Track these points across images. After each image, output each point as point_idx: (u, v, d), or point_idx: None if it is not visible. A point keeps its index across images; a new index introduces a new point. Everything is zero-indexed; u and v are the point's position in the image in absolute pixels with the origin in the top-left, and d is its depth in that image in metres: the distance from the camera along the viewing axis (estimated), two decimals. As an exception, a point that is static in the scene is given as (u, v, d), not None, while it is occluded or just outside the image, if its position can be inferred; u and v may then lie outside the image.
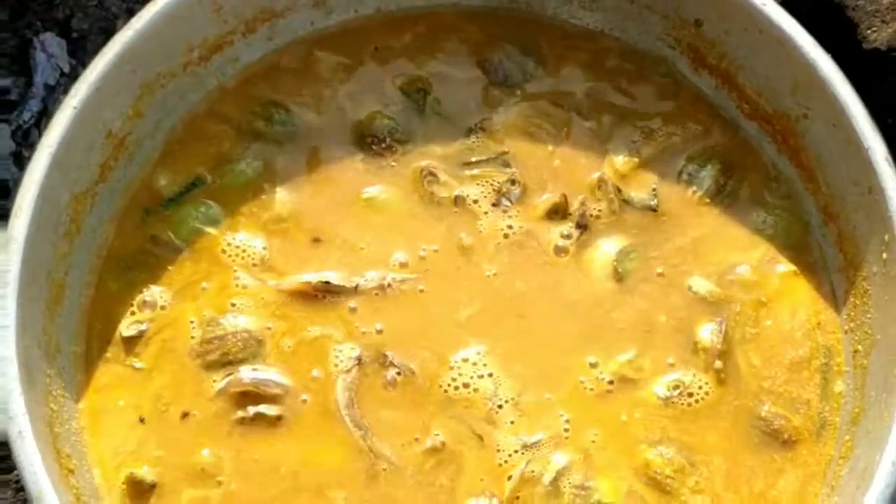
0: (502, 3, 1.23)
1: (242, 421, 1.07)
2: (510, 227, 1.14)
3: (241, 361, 1.09)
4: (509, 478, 1.05)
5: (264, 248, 1.13)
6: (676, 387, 1.09)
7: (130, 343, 1.10)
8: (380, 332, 1.10)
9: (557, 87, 1.20)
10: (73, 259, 1.10)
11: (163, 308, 1.11)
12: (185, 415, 1.07)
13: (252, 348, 1.10)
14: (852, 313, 1.11)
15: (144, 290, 1.12)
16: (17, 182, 1.06)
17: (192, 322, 1.10)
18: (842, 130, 1.09)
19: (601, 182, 1.15)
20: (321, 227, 1.14)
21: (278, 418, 1.07)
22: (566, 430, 1.07)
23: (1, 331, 1.00)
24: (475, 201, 1.15)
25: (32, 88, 1.38)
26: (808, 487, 1.07)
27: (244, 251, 1.13)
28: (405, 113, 1.18)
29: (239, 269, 1.12)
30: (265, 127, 1.18)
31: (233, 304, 1.11)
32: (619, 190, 1.15)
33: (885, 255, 1.06)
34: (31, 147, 1.31)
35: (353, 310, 1.11)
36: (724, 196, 1.16)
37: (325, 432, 1.07)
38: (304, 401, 1.08)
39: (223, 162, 1.17)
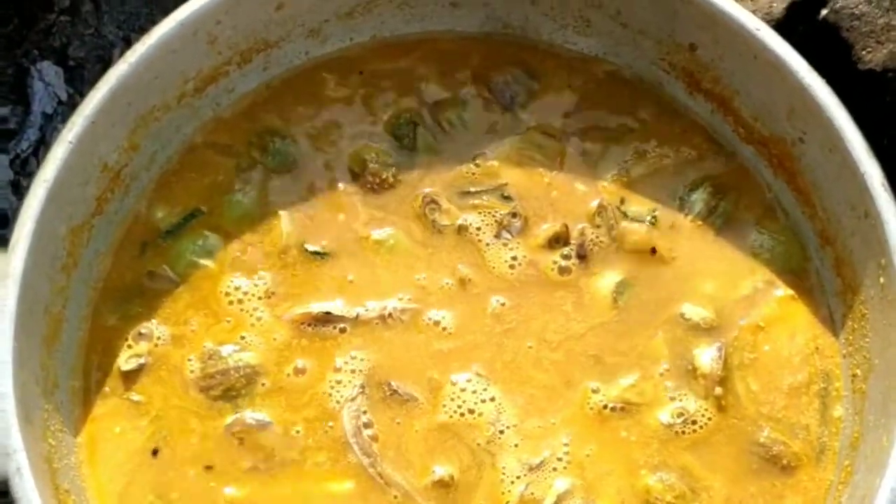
0: (497, 28, 1.23)
1: (249, 459, 1.07)
2: (514, 257, 1.14)
3: (245, 395, 1.09)
4: (507, 503, 1.06)
5: (262, 279, 1.13)
6: (681, 414, 1.08)
7: (129, 377, 1.10)
8: (382, 360, 1.10)
9: (551, 114, 1.19)
10: (70, 293, 1.10)
11: (160, 339, 1.11)
12: (185, 451, 1.07)
13: (254, 382, 1.09)
14: (850, 337, 1.10)
15: (142, 323, 1.11)
16: (15, 211, 1.06)
17: (190, 359, 1.10)
18: (838, 155, 1.08)
19: (601, 209, 1.15)
20: (320, 258, 1.14)
21: (284, 452, 1.07)
22: (567, 454, 1.07)
23: (-2, 367, 1.00)
24: (478, 228, 1.15)
25: (30, 117, 1.38)
26: (808, 514, 1.07)
27: (242, 282, 1.13)
28: (400, 144, 1.18)
29: (237, 301, 1.12)
30: (262, 157, 1.18)
31: (240, 337, 1.11)
32: (620, 205, 1.15)
33: (882, 280, 1.05)
34: (30, 176, 1.32)
35: (354, 339, 1.11)
36: (715, 217, 1.16)
37: (333, 462, 1.07)
38: (309, 432, 1.08)
39: (220, 193, 1.16)
